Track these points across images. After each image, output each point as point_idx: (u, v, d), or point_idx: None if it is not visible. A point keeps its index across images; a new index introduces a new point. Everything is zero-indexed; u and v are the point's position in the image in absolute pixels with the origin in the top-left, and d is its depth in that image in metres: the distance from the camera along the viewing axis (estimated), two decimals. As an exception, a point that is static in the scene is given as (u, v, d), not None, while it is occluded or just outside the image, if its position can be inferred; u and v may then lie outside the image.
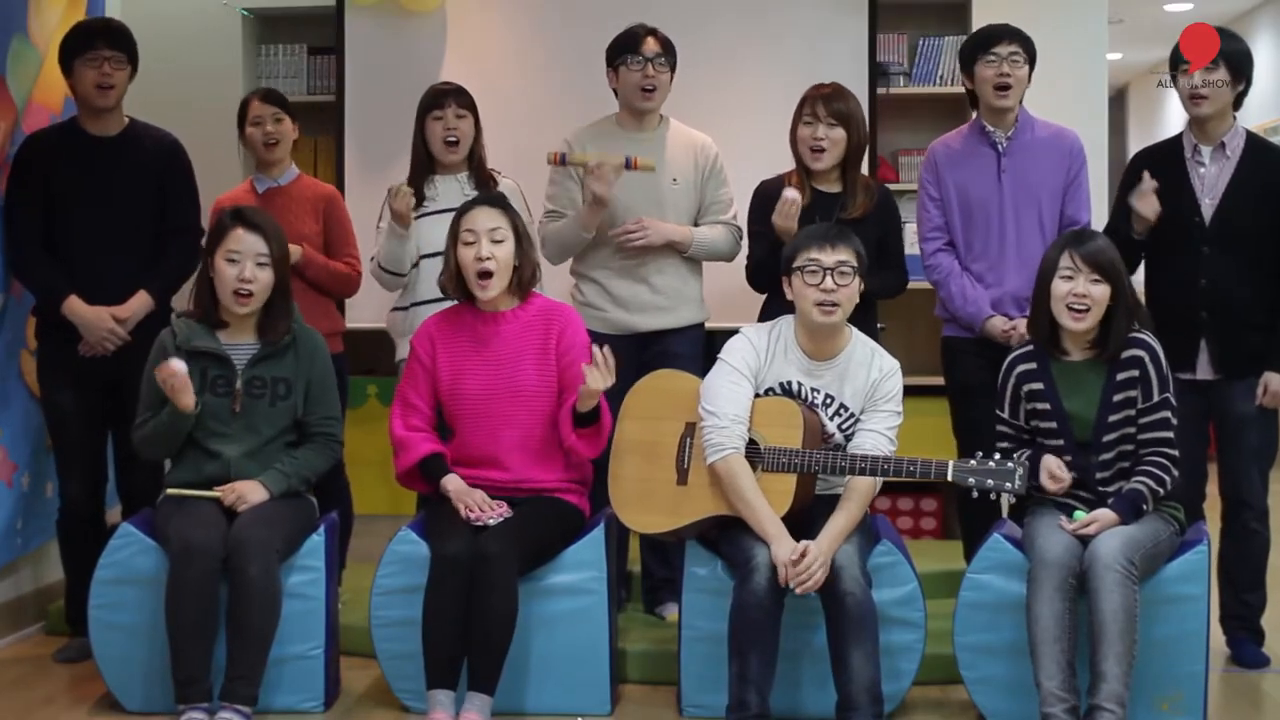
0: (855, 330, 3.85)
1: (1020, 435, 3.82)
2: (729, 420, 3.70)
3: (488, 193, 4.10)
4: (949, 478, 3.56)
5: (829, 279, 3.68)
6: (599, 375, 3.74)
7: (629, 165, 4.23)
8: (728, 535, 3.74)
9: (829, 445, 3.76)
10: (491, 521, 3.76)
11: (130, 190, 4.27)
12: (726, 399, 3.73)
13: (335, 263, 4.59)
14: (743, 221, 4.43)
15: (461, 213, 3.92)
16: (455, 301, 4.00)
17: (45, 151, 4.26)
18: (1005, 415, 3.82)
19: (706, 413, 3.74)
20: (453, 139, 4.40)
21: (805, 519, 3.68)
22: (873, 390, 3.75)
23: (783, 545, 3.58)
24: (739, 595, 3.58)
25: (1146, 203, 4.09)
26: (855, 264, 3.72)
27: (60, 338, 4.26)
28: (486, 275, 3.84)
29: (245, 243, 3.86)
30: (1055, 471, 3.67)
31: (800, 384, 3.77)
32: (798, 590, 3.54)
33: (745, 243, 4.44)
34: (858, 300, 3.77)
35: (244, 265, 3.84)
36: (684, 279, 4.43)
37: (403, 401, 3.96)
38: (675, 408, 3.86)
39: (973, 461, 3.57)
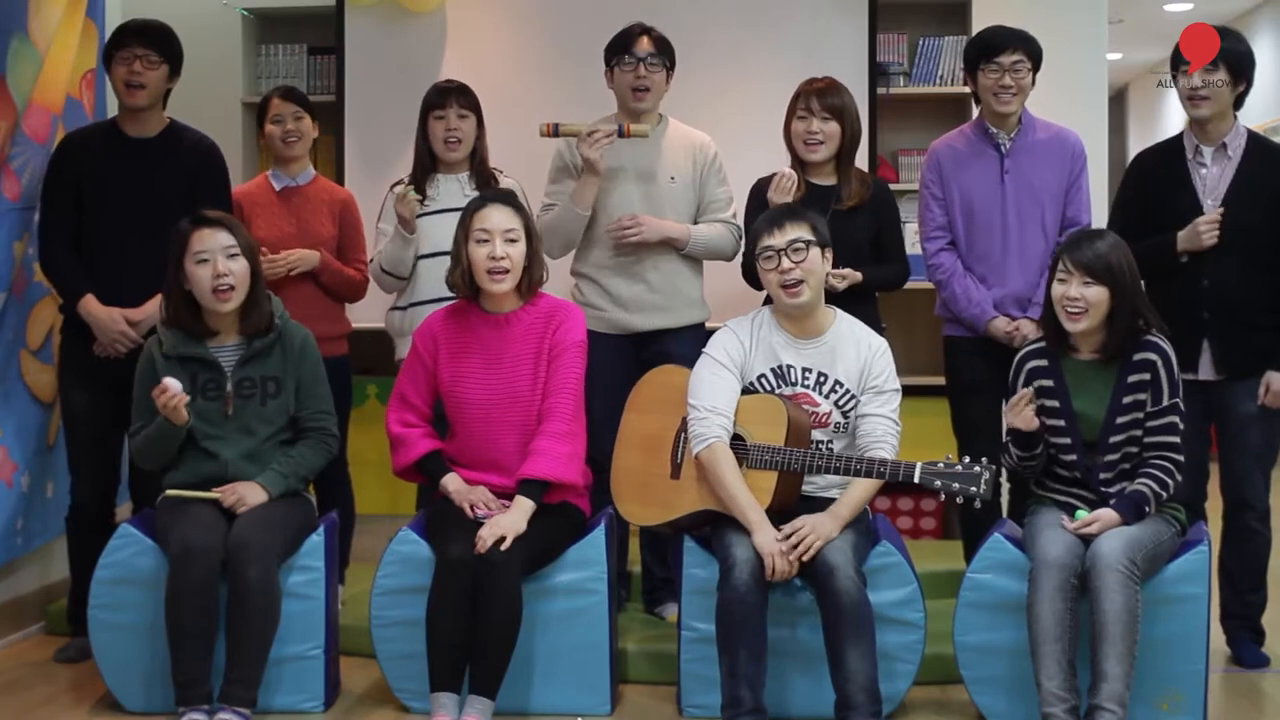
0: (838, 310, 3.89)
1: None
2: (708, 411, 3.73)
3: (499, 190, 4.07)
4: (916, 479, 3.56)
5: (784, 259, 3.72)
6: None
7: (621, 133, 4.24)
8: (715, 533, 3.74)
9: (827, 428, 3.77)
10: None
11: (164, 192, 4.26)
12: (708, 390, 3.76)
13: (348, 268, 4.59)
14: (742, 220, 4.43)
15: (474, 209, 3.88)
16: (454, 299, 3.99)
17: (81, 151, 4.27)
18: None
19: (690, 406, 3.78)
20: (454, 139, 4.40)
21: (793, 518, 3.68)
22: (868, 368, 3.78)
23: (764, 533, 3.60)
24: (721, 593, 3.59)
25: (1212, 232, 4.08)
26: (809, 237, 3.74)
27: (79, 336, 4.27)
28: (500, 273, 3.83)
29: (210, 241, 3.84)
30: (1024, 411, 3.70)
31: (790, 366, 3.79)
32: (792, 557, 3.56)
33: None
34: (825, 272, 3.80)
35: (215, 262, 3.82)
36: (684, 278, 4.43)
37: (399, 398, 3.96)
38: (674, 402, 3.87)
39: (940, 464, 3.57)
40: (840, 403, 3.78)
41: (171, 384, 3.73)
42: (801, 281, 3.73)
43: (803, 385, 3.79)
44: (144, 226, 4.23)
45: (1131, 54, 10.63)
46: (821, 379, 3.79)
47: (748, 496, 3.66)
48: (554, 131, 4.31)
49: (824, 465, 3.63)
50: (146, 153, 4.28)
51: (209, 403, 3.87)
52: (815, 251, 3.75)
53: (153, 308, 4.21)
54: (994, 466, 3.53)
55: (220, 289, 3.82)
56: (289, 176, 4.61)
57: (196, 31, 5.77)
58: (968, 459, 3.57)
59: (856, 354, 3.79)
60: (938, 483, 3.55)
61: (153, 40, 4.27)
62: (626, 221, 4.30)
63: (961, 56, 4.60)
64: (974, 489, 3.53)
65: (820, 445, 3.77)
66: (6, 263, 4.36)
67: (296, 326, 3.99)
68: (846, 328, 3.84)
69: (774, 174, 4.34)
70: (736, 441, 3.73)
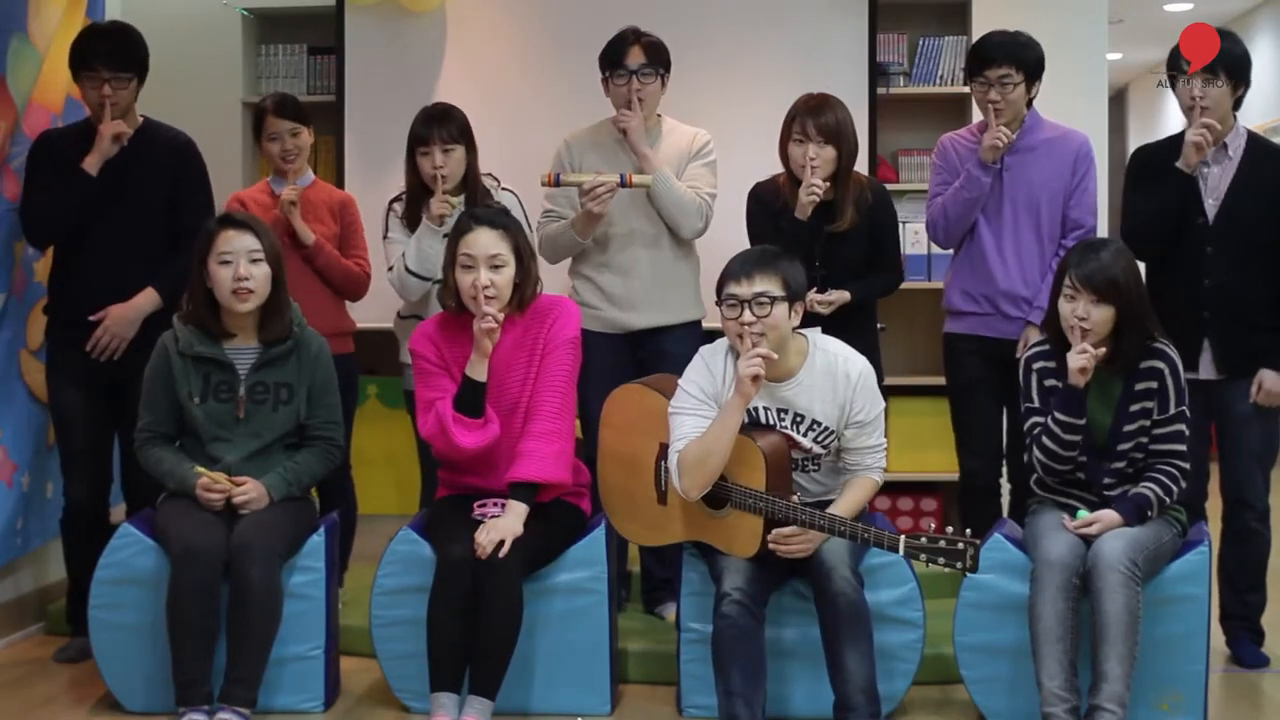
0: (813, 337, 3.73)
1: None
2: (677, 442, 3.65)
3: (489, 210, 3.98)
4: (900, 552, 3.44)
5: (746, 311, 3.56)
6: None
7: (624, 183, 4.21)
8: (708, 559, 3.73)
9: (809, 457, 3.73)
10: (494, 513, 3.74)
11: (143, 190, 4.27)
12: (689, 430, 3.65)
13: (345, 259, 4.58)
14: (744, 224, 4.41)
15: (461, 232, 3.81)
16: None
17: (59, 151, 4.26)
18: (1036, 405, 3.76)
19: (673, 444, 3.67)
20: (442, 175, 4.29)
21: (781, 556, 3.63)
22: (848, 404, 3.66)
23: (735, 403, 3.54)
24: (714, 621, 3.56)
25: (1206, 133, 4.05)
26: (778, 292, 3.58)
27: (67, 338, 4.27)
28: (486, 301, 3.73)
29: (235, 242, 3.85)
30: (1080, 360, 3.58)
31: (766, 408, 3.69)
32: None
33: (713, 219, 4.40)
34: (792, 325, 3.63)
35: (238, 264, 3.83)
36: (679, 276, 4.42)
37: (425, 406, 3.83)
38: (649, 425, 3.82)
39: (923, 539, 3.42)
40: (820, 439, 3.70)
41: (213, 499, 3.78)
42: (762, 335, 3.56)
43: (780, 426, 3.69)
44: (127, 224, 4.24)
45: (1131, 54, 10.62)
46: (798, 420, 3.68)
47: (727, 421, 3.54)
48: (555, 182, 4.29)
49: (808, 521, 3.54)
50: (124, 151, 4.26)
51: (221, 404, 3.87)
52: (782, 308, 3.58)
53: (143, 300, 4.23)
54: (977, 541, 3.40)
55: (240, 291, 3.82)
56: (287, 183, 4.61)
57: (196, 31, 5.83)
58: (951, 530, 3.43)
59: (834, 393, 3.66)
60: (922, 557, 3.43)
61: (118, 57, 4.23)
62: (626, 111, 4.28)
63: (962, 56, 4.61)
64: (958, 564, 3.40)
65: (803, 461, 3.73)
66: (6, 263, 4.37)
67: (313, 334, 3.99)
68: (821, 361, 3.68)
69: (771, 178, 4.34)
70: (719, 482, 3.64)
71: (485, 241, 3.77)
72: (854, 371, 3.68)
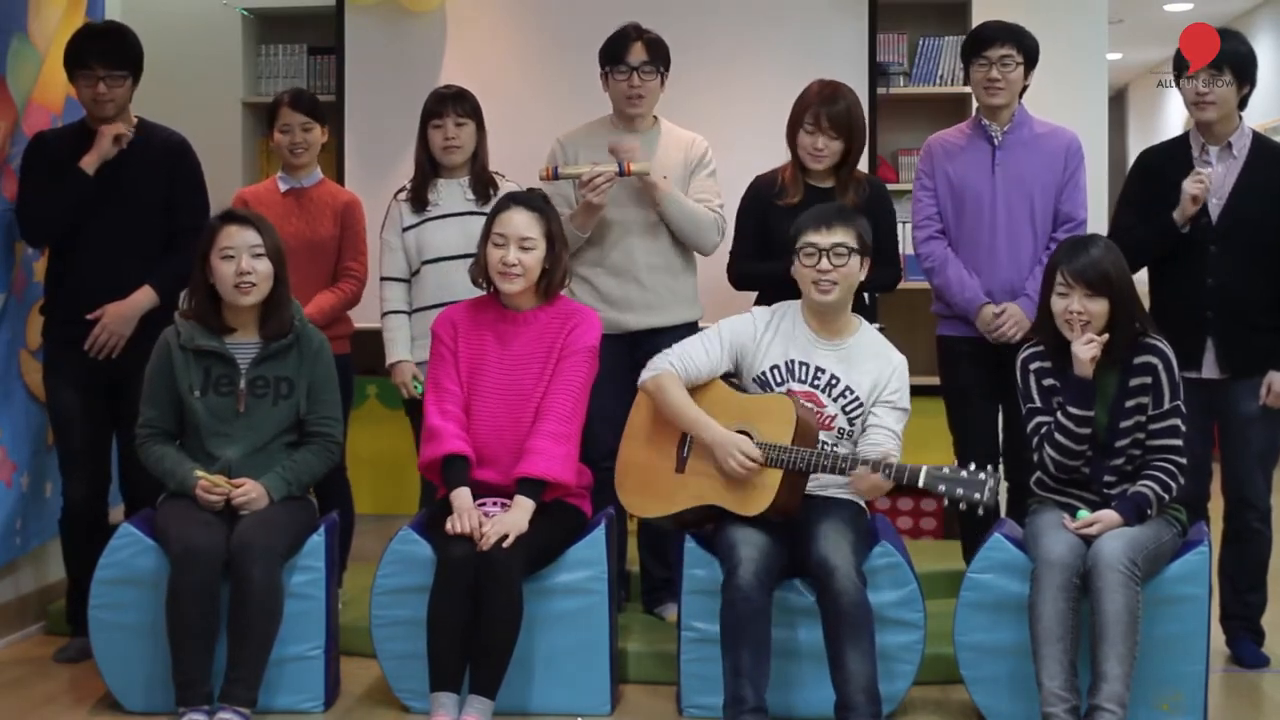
0: (864, 320, 3.89)
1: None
2: (675, 356, 3.80)
3: (529, 192, 4.03)
4: (920, 483, 3.53)
5: (824, 260, 3.72)
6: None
7: (622, 172, 4.23)
8: (719, 532, 3.74)
9: (830, 431, 3.76)
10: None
11: (138, 190, 4.27)
12: (688, 347, 3.83)
13: (334, 293, 4.54)
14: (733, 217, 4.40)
15: (498, 210, 3.90)
16: (455, 301, 4.02)
17: (54, 152, 4.26)
18: (1038, 405, 3.76)
19: (674, 354, 3.82)
20: (452, 146, 4.39)
21: (797, 520, 3.68)
22: (884, 382, 3.77)
23: (715, 430, 3.68)
24: (725, 592, 3.59)
25: (1199, 187, 4.07)
26: (854, 245, 3.75)
27: (64, 337, 4.27)
28: (512, 276, 3.83)
29: (237, 238, 3.86)
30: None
31: (804, 362, 3.78)
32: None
33: (728, 237, 4.41)
34: (859, 279, 3.80)
35: (240, 259, 3.84)
36: (676, 277, 4.43)
37: (435, 385, 3.91)
38: None
39: (945, 470, 3.53)
40: (847, 409, 3.77)
41: (213, 500, 3.79)
42: (836, 283, 3.74)
43: (812, 384, 3.78)
44: (123, 225, 4.25)
45: (1131, 54, 10.63)
46: (833, 382, 3.77)
47: (697, 412, 3.72)
48: (553, 175, 4.31)
49: (829, 465, 3.61)
50: (119, 152, 4.25)
51: (221, 398, 3.87)
52: (855, 260, 3.76)
53: (141, 297, 4.23)
54: (998, 474, 3.50)
55: (242, 285, 3.83)
56: (295, 180, 4.62)
57: (196, 31, 5.84)
58: (973, 465, 3.53)
59: (875, 366, 3.79)
60: (941, 487, 3.52)
61: (113, 56, 4.24)
62: (630, 142, 4.30)
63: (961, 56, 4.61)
64: (977, 496, 3.48)
65: (823, 446, 3.77)
66: (6, 263, 4.37)
67: (315, 330, 4.00)
68: (869, 338, 3.85)
69: (772, 170, 4.34)
70: (743, 435, 3.70)
71: (519, 222, 3.84)
72: (896, 358, 3.85)
